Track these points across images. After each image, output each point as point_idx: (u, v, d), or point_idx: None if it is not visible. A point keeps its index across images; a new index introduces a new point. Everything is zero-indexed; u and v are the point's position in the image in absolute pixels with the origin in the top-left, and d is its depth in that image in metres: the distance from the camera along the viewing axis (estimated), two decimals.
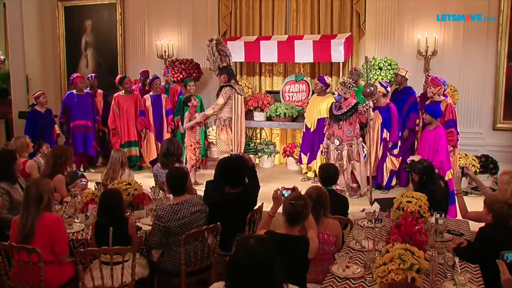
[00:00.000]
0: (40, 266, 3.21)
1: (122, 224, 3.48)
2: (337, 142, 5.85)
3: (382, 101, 6.23)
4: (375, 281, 2.61)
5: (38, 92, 7.28)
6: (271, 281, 2.06)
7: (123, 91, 7.55)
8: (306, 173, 7.06)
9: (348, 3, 7.64)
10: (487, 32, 6.96)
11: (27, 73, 9.10)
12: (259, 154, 7.82)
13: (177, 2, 8.69)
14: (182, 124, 7.01)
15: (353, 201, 5.44)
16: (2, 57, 10.50)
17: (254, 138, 8.14)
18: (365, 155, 6.10)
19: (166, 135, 7.30)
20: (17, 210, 3.58)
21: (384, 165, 6.29)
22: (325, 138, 6.11)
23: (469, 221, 3.92)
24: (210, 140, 7.65)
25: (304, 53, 7.09)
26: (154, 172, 5.04)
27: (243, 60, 7.63)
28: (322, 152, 6.21)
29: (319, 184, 4.16)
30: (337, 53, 6.86)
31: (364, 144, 6.06)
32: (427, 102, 5.88)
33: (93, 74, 8.18)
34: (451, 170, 5.34)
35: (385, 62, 6.97)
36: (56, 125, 7.45)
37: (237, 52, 7.12)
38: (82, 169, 7.46)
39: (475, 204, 4.46)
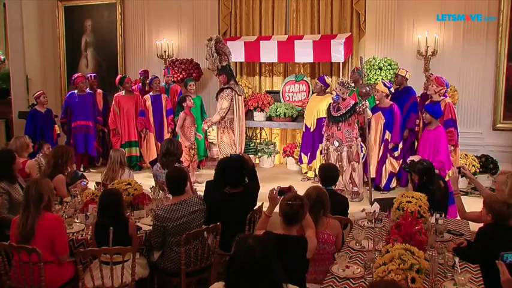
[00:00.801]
0: (40, 266, 3.21)
1: (122, 224, 3.48)
2: (336, 144, 5.81)
3: (385, 101, 6.20)
4: (374, 280, 2.61)
5: (38, 92, 7.28)
6: (270, 281, 2.06)
7: (124, 91, 7.55)
8: (306, 173, 7.05)
9: (348, 3, 7.64)
10: (487, 32, 6.96)
11: (27, 73, 9.10)
12: (259, 154, 7.82)
13: (177, 2, 8.69)
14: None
15: (353, 203, 5.44)
16: (2, 57, 10.50)
17: (254, 138, 8.14)
18: (364, 155, 6.08)
19: (166, 136, 7.30)
20: (17, 210, 3.58)
21: (384, 166, 6.27)
22: (324, 139, 6.09)
23: (469, 221, 3.92)
24: (210, 140, 7.64)
25: (304, 53, 7.09)
26: (154, 172, 5.04)
27: (243, 60, 7.64)
28: (321, 152, 6.19)
29: (319, 184, 4.16)
30: (337, 53, 6.86)
31: (363, 144, 6.05)
32: (426, 102, 5.88)
33: (92, 74, 8.18)
34: (451, 169, 5.34)
35: (385, 62, 6.97)
36: (56, 125, 7.45)
37: (237, 52, 7.12)
38: (82, 169, 7.46)
39: (474, 204, 4.47)
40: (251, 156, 7.07)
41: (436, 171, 5.09)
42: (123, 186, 4.30)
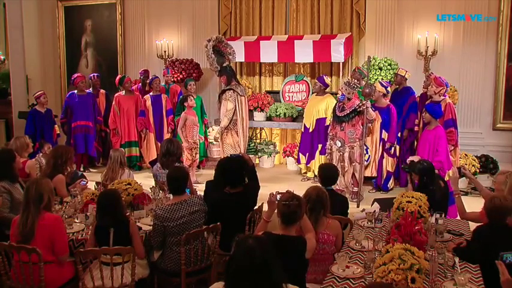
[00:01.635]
0: (40, 266, 3.21)
1: (122, 224, 3.47)
2: (339, 144, 5.79)
3: (382, 101, 6.19)
4: (374, 281, 2.61)
5: (39, 92, 7.28)
6: (270, 281, 2.06)
7: (124, 91, 7.55)
8: (306, 173, 7.05)
9: (348, 3, 7.64)
10: (487, 32, 6.96)
11: (27, 73, 9.10)
12: (259, 154, 7.82)
13: (177, 2, 8.69)
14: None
15: (353, 203, 5.44)
16: (2, 57, 10.50)
17: (254, 138, 8.14)
18: (369, 156, 6.06)
19: (166, 136, 7.30)
20: (19, 210, 3.58)
21: (382, 166, 6.25)
22: (329, 139, 6.06)
23: (469, 221, 3.92)
24: (210, 140, 7.65)
25: (304, 53, 7.10)
26: (154, 172, 5.04)
27: (243, 60, 7.64)
28: (326, 152, 6.16)
29: (319, 184, 4.16)
30: (337, 53, 6.87)
31: (368, 145, 6.04)
32: (426, 102, 5.88)
33: (95, 74, 8.17)
34: (452, 170, 5.34)
35: (385, 62, 6.97)
36: (56, 125, 7.45)
37: (237, 52, 7.09)
38: (82, 169, 7.46)
39: (474, 204, 4.46)
40: (251, 156, 7.07)
41: (436, 171, 5.11)
42: (123, 186, 4.29)
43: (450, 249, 3.20)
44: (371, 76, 6.94)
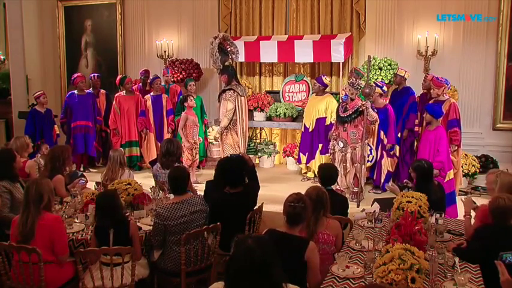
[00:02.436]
0: (40, 266, 3.21)
1: (121, 224, 3.47)
2: (341, 144, 5.76)
3: (379, 101, 6.14)
4: (374, 281, 2.61)
5: (39, 92, 7.28)
6: (270, 281, 2.06)
7: (124, 91, 7.55)
8: (306, 173, 7.05)
9: (348, 3, 7.64)
10: (487, 32, 6.96)
11: (27, 73, 9.09)
12: (259, 154, 7.82)
13: (177, 2, 8.69)
14: None
15: (353, 203, 5.44)
16: (2, 57, 10.50)
17: (254, 138, 8.14)
18: (373, 157, 6.04)
19: (167, 136, 7.30)
20: (19, 209, 3.58)
21: (382, 166, 6.21)
22: (332, 139, 6.05)
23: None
24: (210, 140, 7.65)
25: (304, 53, 7.09)
26: (154, 172, 5.04)
27: (243, 60, 7.63)
28: (329, 152, 6.15)
29: (318, 184, 4.16)
30: (337, 53, 6.86)
31: (372, 146, 6.02)
32: (430, 102, 5.85)
33: (96, 74, 8.15)
34: (452, 170, 5.35)
35: (385, 62, 6.96)
36: (56, 125, 7.45)
37: None
38: (82, 169, 7.46)
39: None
40: (251, 156, 7.07)
41: (436, 171, 5.12)
42: (123, 186, 4.30)
43: (450, 249, 3.20)
44: (370, 76, 6.94)
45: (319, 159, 6.62)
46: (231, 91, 6.42)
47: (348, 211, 4.20)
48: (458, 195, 5.70)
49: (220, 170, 4.11)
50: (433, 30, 7.11)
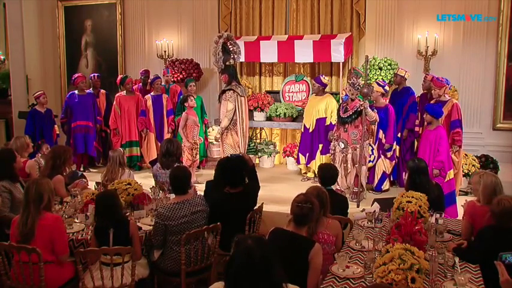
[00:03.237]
0: (40, 266, 3.21)
1: (121, 224, 3.47)
2: (342, 145, 5.75)
3: (380, 101, 6.15)
4: (374, 281, 2.61)
5: (39, 92, 7.29)
6: (270, 280, 2.06)
7: (125, 91, 7.55)
8: (306, 173, 7.05)
9: (348, 3, 7.64)
10: (487, 32, 6.96)
11: (27, 73, 9.09)
12: (259, 154, 7.82)
13: (177, 2, 8.69)
14: None
15: (353, 204, 5.43)
16: (2, 57, 10.49)
17: (254, 138, 8.14)
18: (374, 157, 6.03)
19: (167, 136, 7.29)
20: (19, 209, 3.58)
21: (377, 166, 6.19)
22: (333, 139, 6.03)
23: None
24: (210, 140, 7.65)
25: (304, 53, 7.09)
26: (154, 172, 5.04)
27: (243, 60, 7.63)
28: (330, 152, 6.14)
29: (318, 184, 4.16)
30: (337, 53, 6.86)
31: (373, 146, 6.00)
32: (431, 102, 5.84)
33: (96, 74, 8.16)
34: (452, 169, 5.34)
35: (385, 62, 6.97)
36: (56, 125, 7.45)
37: None
38: (82, 169, 7.47)
39: None
40: (251, 156, 7.07)
41: (436, 171, 5.12)
42: (123, 186, 4.30)
43: (450, 249, 3.20)
44: (370, 76, 6.94)
45: (320, 159, 6.62)
46: (231, 91, 6.42)
47: (348, 211, 4.21)
48: (459, 195, 5.70)
49: (220, 170, 4.12)
50: (433, 30, 7.11)
